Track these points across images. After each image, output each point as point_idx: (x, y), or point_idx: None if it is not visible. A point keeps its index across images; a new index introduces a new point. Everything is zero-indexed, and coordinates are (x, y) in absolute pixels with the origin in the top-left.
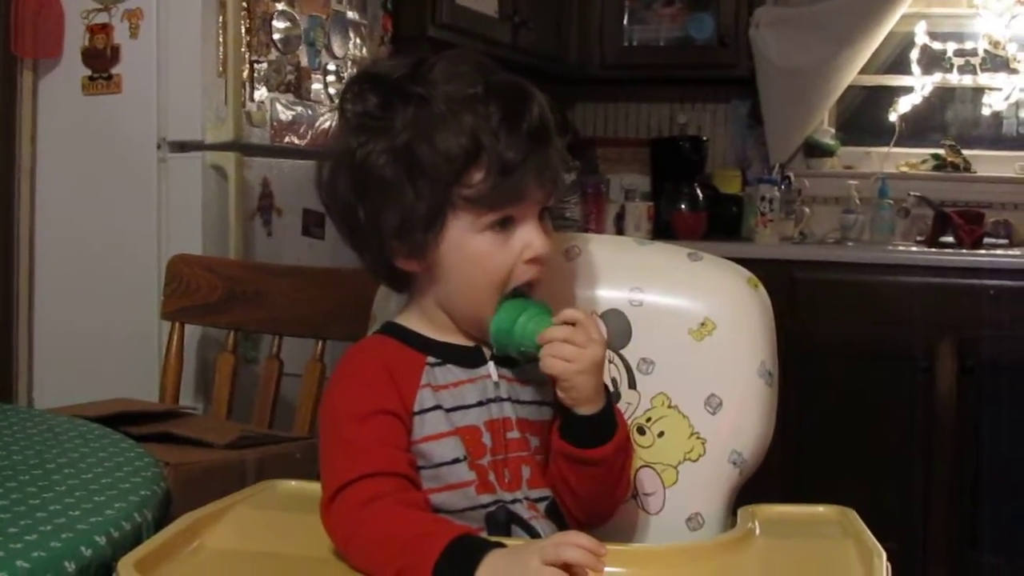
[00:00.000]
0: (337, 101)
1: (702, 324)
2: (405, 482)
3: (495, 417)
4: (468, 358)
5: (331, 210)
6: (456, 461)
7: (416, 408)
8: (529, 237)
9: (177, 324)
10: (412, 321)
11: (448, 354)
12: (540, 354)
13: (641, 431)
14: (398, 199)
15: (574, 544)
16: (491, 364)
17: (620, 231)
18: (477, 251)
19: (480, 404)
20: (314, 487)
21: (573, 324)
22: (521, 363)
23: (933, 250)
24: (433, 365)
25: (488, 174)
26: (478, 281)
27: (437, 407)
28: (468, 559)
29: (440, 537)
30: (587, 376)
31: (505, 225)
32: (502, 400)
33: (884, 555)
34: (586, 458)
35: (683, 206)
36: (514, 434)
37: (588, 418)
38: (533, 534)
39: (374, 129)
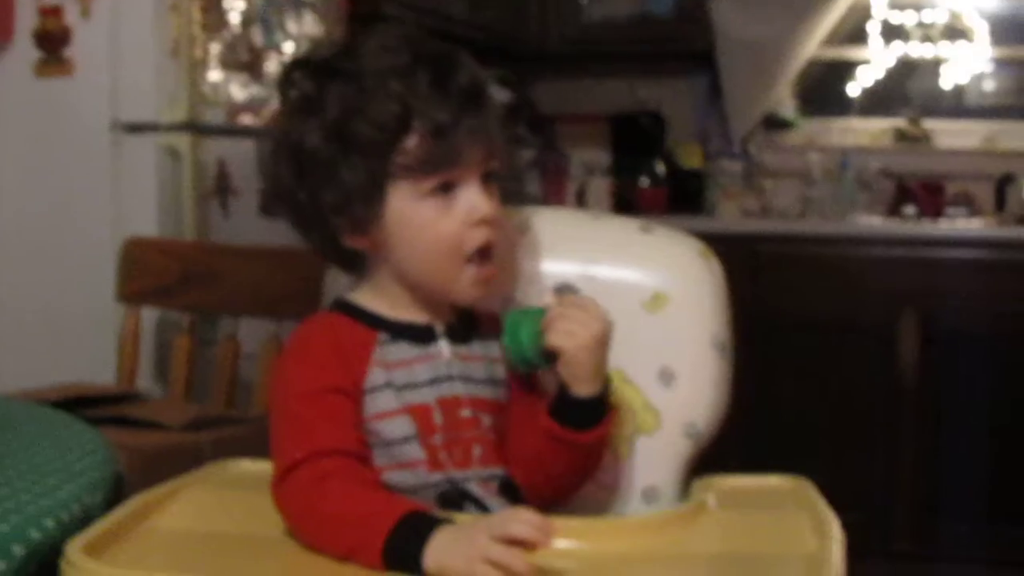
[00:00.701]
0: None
1: (654, 297)
2: (356, 460)
3: (446, 395)
4: (420, 335)
5: (276, 196)
6: (407, 440)
7: (367, 386)
8: (472, 200)
9: (133, 307)
10: (364, 298)
11: (400, 331)
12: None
13: (603, 410)
14: (336, 175)
15: (520, 520)
16: (443, 342)
17: (581, 207)
18: (421, 219)
19: (432, 382)
20: (268, 467)
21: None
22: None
23: (895, 222)
24: (384, 342)
25: (422, 139)
26: (427, 249)
27: (388, 385)
28: (417, 536)
29: (390, 515)
30: (589, 352)
31: (447, 190)
32: (454, 378)
33: (838, 524)
34: (574, 441)
35: (644, 181)
36: (466, 412)
37: (582, 401)
38: (486, 511)
39: (307, 110)
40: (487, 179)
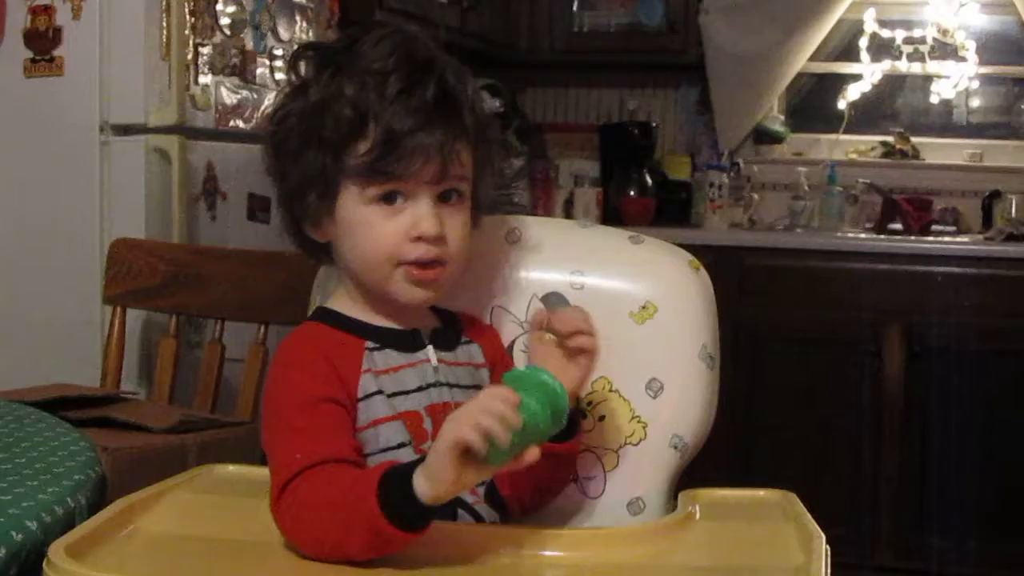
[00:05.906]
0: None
1: (643, 307)
2: (352, 468)
3: (435, 402)
4: (406, 342)
5: (266, 170)
6: (401, 446)
7: (360, 394)
8: (417, 215)
9: (119, 308)
10: (342, 304)
11: (385, 338)
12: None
13: (582, 415)
14: (298, 161)
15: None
16: (430, 348)
17: (569, 217)
18: (363, 221)
19: (420, 389)
20: (252, 471)
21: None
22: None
23: (882, 237)
24: (372, 350)
25: (373, 145)
26: (366, 250)
27: (379, 392)
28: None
29: (372, 476)
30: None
31: (391, 200)
32: (441, 385)
33: (824, 538)
34: (556, 452)
35: (632, 192)
36: None
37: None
38: (477, 517)
39: (296, 93)
40: (445, 198)
